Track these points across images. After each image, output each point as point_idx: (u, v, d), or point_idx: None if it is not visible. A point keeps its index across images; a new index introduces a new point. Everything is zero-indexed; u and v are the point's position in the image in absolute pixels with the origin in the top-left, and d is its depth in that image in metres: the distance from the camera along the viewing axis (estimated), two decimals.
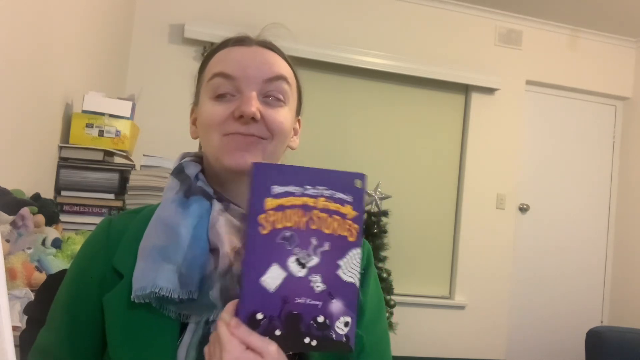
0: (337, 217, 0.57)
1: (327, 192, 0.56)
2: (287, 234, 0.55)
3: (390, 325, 3.20)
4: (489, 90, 3.85)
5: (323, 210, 0.56)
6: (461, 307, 3.76)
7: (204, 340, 0.64)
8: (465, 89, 3.89)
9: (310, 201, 0.56)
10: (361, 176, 0.57)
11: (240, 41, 0.75)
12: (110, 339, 0.66)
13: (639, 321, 3.72)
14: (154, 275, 0.64)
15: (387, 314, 3.15)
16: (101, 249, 0.71)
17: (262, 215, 0.54)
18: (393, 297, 3.23)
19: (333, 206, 0.57)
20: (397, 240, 3.54)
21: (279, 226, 0.55)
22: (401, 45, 3.72)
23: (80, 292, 0.71)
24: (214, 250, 0.67)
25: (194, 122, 0.79)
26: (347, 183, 0.57)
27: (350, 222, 0.57)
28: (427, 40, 3.78)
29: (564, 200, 4.06)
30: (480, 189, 3.84)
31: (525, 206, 3.98)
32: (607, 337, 2.10)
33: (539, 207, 4.01)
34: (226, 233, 0.68)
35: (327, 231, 0.56)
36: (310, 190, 0.56)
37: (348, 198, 0.57)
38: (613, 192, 4.18)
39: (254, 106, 0.68)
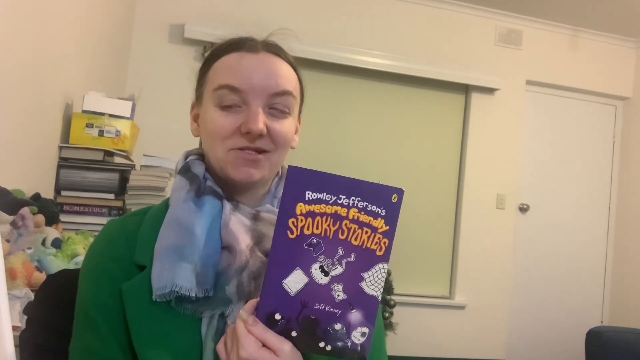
0: (368, 230, 0.58)
1: (361, 204, 0.57)
2: (314, 241, 0.56)
3: (390, 325, 3.20)
4: (489, 90, 3.85)
5: (353, 221, 0.57)
6: (461, 307, 3.76)
7: (219, 333, 0.66)
8: (465, 89, 3.89)
9: (342, 211, 0.57)
10: (399, 191, 0.58)
11: (247, 46, 0.74)
12: (134, 332, 0.66)
13: (639, 321, 3.72)
14: (172, 274, 0.66)
15: (386, 314, 3.15)
16: (124, 250, 0.71)
17: (292, 220, 0.56)
18: (393, 297, 3.23)
19: (364, 218, 0.57)
20: (397, 240, 3.48)
21: (307, 232, 0.56)
22: (401, 45, 3.72)
23: (109, 289, 0.69)
24: (225, 248, 0.69)
25: (195, 119, 0.79)
26: (383, 196, 0.58)
27: (380, 235, 0.58)
28: (427, 40, 3.78)
29: (564, 201, 4.06)
30: (480, 189, 3.83)
31: (525, 206, 3.98)
32: (607, 337, 2.10)
33: (539, 207, 4.01)
34: (240, 232, 0.70)
35: (355, 242, 0.57)
36: (343, 199, 0.57)
37: (381, 212, 0.58)
38: (613, 192, 4.18)
39: (261, 122, 0.70)
